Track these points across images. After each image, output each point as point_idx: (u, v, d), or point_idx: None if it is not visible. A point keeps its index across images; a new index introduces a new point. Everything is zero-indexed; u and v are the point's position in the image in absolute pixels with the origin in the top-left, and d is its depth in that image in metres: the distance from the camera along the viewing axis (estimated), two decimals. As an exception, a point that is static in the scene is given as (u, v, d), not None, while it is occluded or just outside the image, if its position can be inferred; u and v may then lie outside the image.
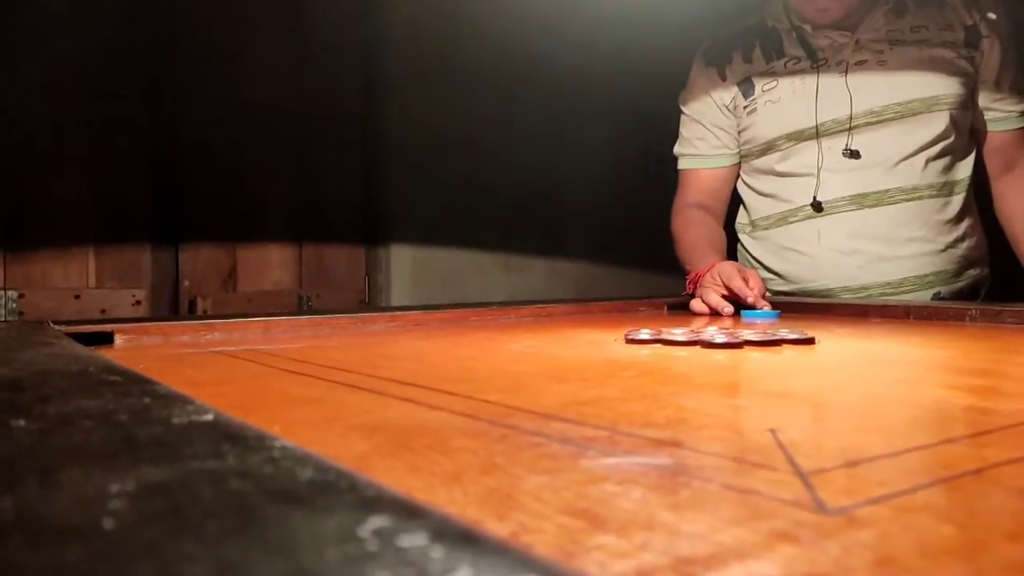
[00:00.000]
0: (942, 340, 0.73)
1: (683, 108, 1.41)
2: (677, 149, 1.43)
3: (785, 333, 0.69)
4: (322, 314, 0.97)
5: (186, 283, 1.75)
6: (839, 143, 1.23)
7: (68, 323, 0.80)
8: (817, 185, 1.25)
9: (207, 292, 1.76)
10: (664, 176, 1.53)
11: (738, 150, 1.37)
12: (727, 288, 1.08)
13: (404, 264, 2.00)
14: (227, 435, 0.23)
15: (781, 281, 1.33)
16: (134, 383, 0.34)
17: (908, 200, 1.22)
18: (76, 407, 0.28)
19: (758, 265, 1.36)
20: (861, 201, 1.23)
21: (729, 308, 1.07)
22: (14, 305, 1.54)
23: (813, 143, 1.25)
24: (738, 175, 1.40)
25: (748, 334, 0.69)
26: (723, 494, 0.25)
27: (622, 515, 0.23)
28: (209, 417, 0.26)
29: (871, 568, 0.19)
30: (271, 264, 1.86)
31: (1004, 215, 1.30)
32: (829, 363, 0.58)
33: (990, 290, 1.32)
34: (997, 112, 1.27)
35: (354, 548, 0.14)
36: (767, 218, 1.34)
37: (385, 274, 2.00)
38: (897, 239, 1.23)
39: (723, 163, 1.38)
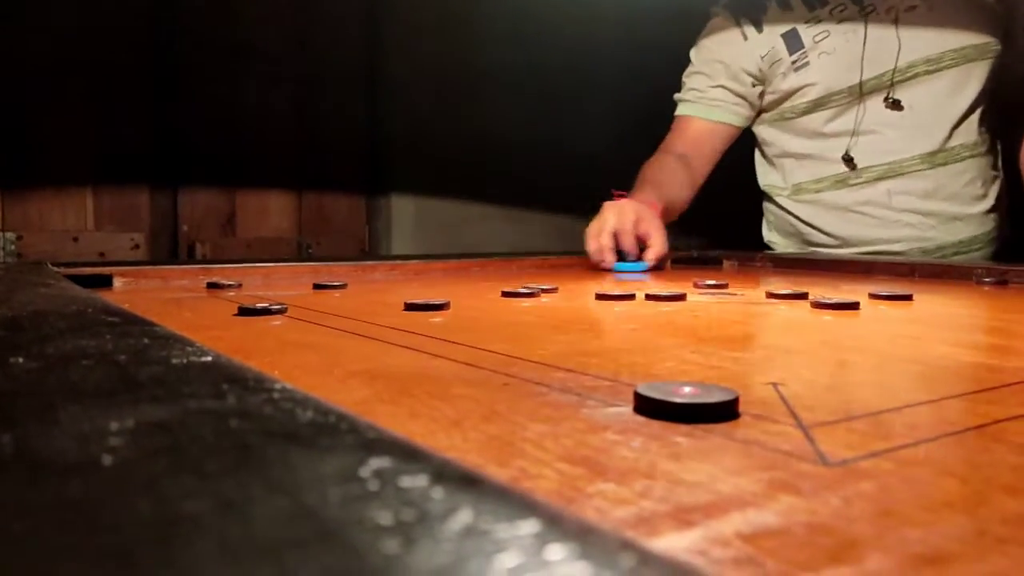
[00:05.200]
0: (947, 298, 0.73)
1: (693, 57, 1.34)
2: (678, 95, 1.36)
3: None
4: (322, 261, 0.97)
5: (185, 228, 1.74)
6: (897, 95, 1.18)
7: (66, 265, 0.80)
8: (876, 142, 1.19)
9: (206, 237, 1.76)
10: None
11: (746, 114, 1.30)
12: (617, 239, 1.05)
13: (405, 213, 1.99)
14: (227, 376, 0.23)
15: (839, 243, 1.27)
16: (133, 324, 0.33)
17: (972, 157, 1.19)
18: (74, 346, 0.28)
19: (811, 229, 1.29)
20: (932, 160, 1.18)
21: (608, 262, 1.04)
22: (12, 247, 1.54)
23: (873, 97, 1.19)
24: (735, 137, 1.33)
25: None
26: (724, 445, 0.25)
27: (622, 463, 0.23)
28: (208, 358, 0.26)
29: (871, 519, 0.19)
30: (271, 210, 1.85)
31: None
32: (833, 319, 0.58)
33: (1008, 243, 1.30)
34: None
35: (355, 487, 0.14)
36: (819, 180, 1.26)
37: (386, 223, 1.99)
38: (966, 197, 1.19)
39: (723, 118, 1.30)
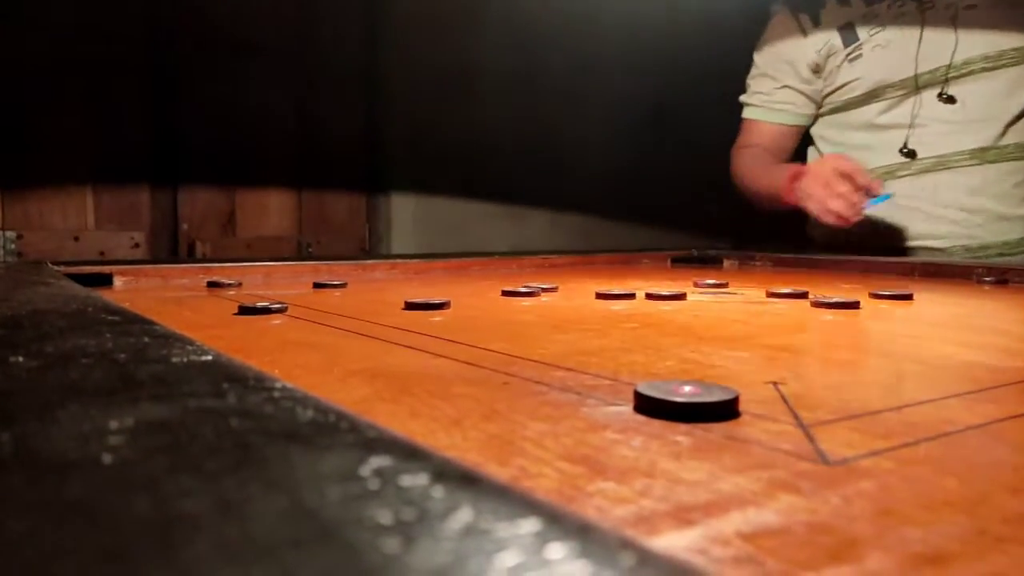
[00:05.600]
0: (948, 297, 0.73)
1: (757, 59, 1.34)
2: (743, 98, 1.36)
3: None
4: (322, 260, 0.97)
5: (185, 227, 1.74)
6: (950, 91, 1.18)
7: (67, 264, 0.80)
8: (928, 136, 1.19)
9: (206, 236, 1.76)
10: (681, 132, 1.46)
11: (811, 112, 1.31)
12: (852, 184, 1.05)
13: (405, 212, 1.99)
14: (227, 375, 0.23)
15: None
16: (133, 323, 0.33)
17: None
18: (74, 345, 0.28)
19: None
20: (982, 156, 1.17)
21: (858, 211, 1.04)
22: (12, 246, 1.54)
23: (926, 91, 1.18)
24: (802, 134, 1.34)
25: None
26: (724, 444, 0.25)
27: (622, 462, 0.23)
28: (208, 357, 0.25)
29: (872, 518, 0.19)
30: (270, 209, 1.85)
31: None
32: (834, 318, 0.58)
33: None
34: None
35: (355, 486, 0.14)
36: (868, 172, 1.25)
37: (386, 222, 1.99)
38: (1015, 198, 1.19)
39: (789, 120, 1.32)
